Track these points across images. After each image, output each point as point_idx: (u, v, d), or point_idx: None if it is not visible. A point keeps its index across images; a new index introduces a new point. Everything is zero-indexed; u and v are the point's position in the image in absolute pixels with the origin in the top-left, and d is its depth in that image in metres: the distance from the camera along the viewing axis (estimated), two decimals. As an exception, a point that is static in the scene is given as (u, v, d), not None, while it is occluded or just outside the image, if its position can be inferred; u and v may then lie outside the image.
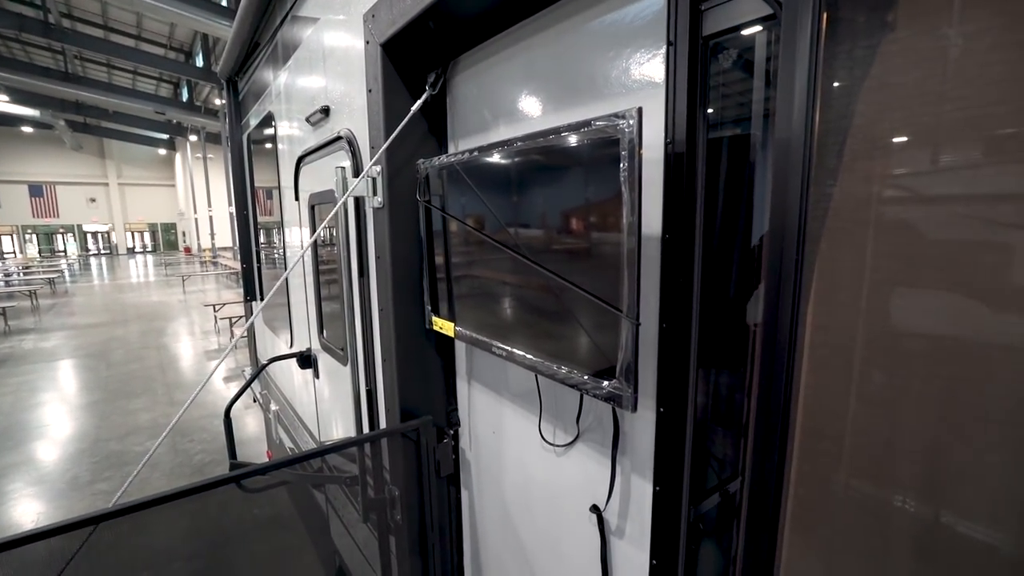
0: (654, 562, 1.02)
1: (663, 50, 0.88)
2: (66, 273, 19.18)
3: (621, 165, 0.78)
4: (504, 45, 1.26)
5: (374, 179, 1.43)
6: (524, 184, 1.06)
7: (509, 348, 1.10)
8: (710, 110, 0.86)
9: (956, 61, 0.61)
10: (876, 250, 0.69)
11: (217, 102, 19.62)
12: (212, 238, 24.17)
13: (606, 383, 0.87)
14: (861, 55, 0.69)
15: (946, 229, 0.63)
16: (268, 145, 2.98)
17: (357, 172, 1.58)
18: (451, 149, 1.50)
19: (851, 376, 0.73)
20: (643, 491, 1.04)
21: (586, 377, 0.92)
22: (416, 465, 1.57)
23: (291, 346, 2.76)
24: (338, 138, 1.69)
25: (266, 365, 2.47)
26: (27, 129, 25.02)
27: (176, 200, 32.62)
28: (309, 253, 2.18)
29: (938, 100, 0.64)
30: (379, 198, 1.44)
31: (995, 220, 0.59)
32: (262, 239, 3.54)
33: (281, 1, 2.26)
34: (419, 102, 1.38)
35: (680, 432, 0.94)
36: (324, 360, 2.21)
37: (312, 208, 2.08)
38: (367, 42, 1.43)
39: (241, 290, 3.99)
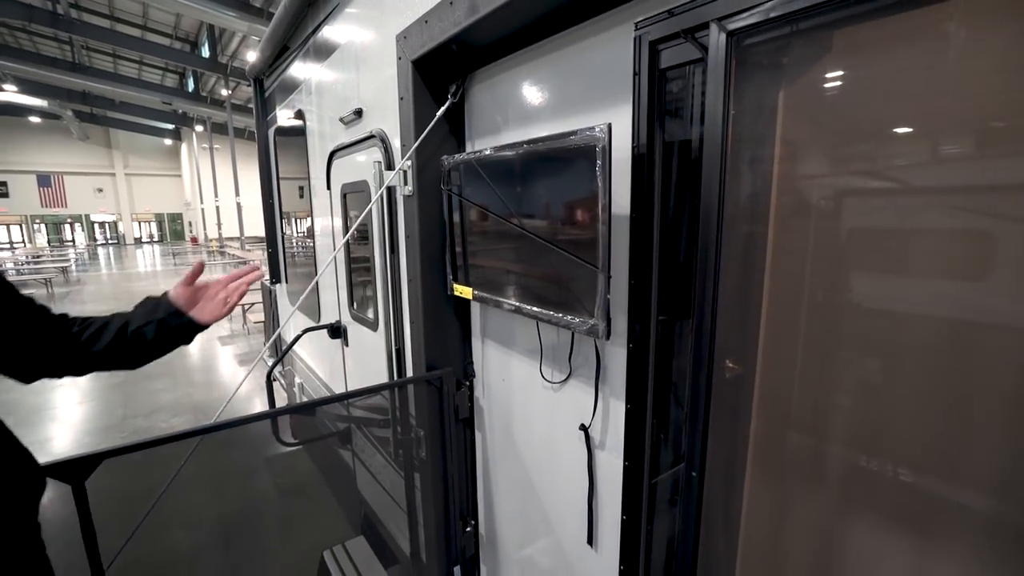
0: (627, 463, 1.36)
1: (631, 78, 1.19)
2: (74, 262, 19.56)
3: (597, 163, 1.10)
4: (513, 64, 1.57)
5: (405, 172, 1.75)
6: (526, 176, 1.38)
7: (517, 303, 1.43)
8: (665, 121, 1.18)
9: (817, 92, 0.93)
10: (777, 222, 1.01)
11: (223, 92, 19.82)
12: (219, 228, 24.47)
13: (589, 321, 1.19)
14: (757, 86, 1.00)
15: (809, 209, 0.95)
16: (295, 138, 3.29)
17: (389, 166, 1.89)
18: (468, 147, 1.81)
19: (757, 316, 1.06)
20: (618, 410, 1.37)
21: (574, 318, 1.24)
22: (439, 409, 1.90)
23: (319, 320, 3.10)
24: (371, 136, 2.01)
25: (303, 333, 2.81)
26: (35, 119, 25.26)
27: (182, 190, 32.89)
28: (342, 236, 2.50)
29: (808, 120, 0.96)
30: (409, 188, 1.76)
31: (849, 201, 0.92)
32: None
33: (314, 13, 2.56)
34: (443, 109, 1.70)
35: (645, 362, 1.27)
36: (354, 329, 2.54)
37: (344, 196, 2.40)
38: (399, 58, 1.74)
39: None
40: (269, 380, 2.64)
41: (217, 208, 24.56)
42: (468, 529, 2.11)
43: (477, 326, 1.92)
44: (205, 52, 18.52)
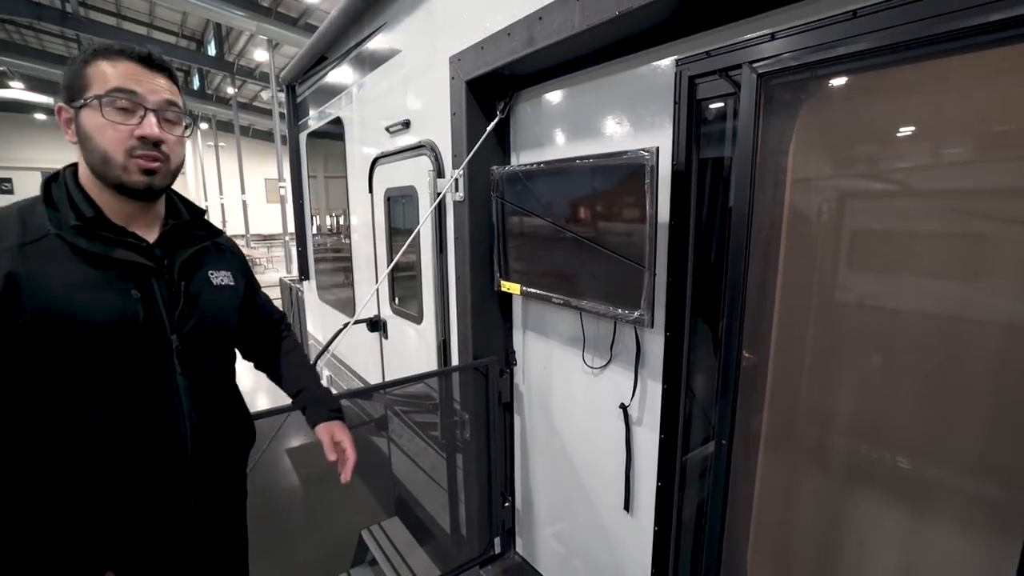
0: (663, 436, 1.57)
1: (667, 104, 1.39)
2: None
3: (646, 180, 1.31)
4: (557, 86, 1.77)
5: (457, 179, 1.95)
6: (577, 187, 1.58)
7: (565, 298, 1.64)
8: (700, 142, 1.38)
9: (834, 122, 1.14)
10: (789, 232, 1.22)
11: (229, 90, 19.96)
12: (224, 225, 24.63)
13: (636, 312, 1.40)
14: (777, 116, 1.21)
15: (824, 222, 1.16)
16: (330, 142, 3.49)
17: (439, 173, 2.09)
18: (512, 159, 2.01)
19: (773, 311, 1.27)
20: (655, 390, 1.58)
21: (622, 310, 1.45)
22: (485, 394, 2.11)
23: (354, 315, 3.30)
24: (420, 145, 2.21)
25: (347, 325, 3.01)
26: (40, 116, 25.38)
27: (187, 188, 33.01)
28: (383, 237, 2.71)
29: (814, 143, 1.17)
30: (460, 194, 1.96)
31: (866, 212, 1.13)
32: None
33: (358, 28, 2.75)
34: (492, 124, 1.90)
35: (680, 348, 1.48)
36: (395, 322, 2.75)
37: (388, 200, 2.60)
38: (453, 77, 1.94)
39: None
40: (314, 367, 2.86)
41: (222, 206, 24.73)
42: (506, 504, 2.32)
43: (518, 319, 2.12)
44: (211, 50, 18.66)
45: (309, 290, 4.37)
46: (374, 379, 3.19)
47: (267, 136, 27.55)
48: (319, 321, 4.33)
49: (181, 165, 1.03)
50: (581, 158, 1.52)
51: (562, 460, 2.01)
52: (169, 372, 0.98)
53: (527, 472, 2.26)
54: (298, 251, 4.20)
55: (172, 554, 1.04)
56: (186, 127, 1.02)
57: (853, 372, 1.21)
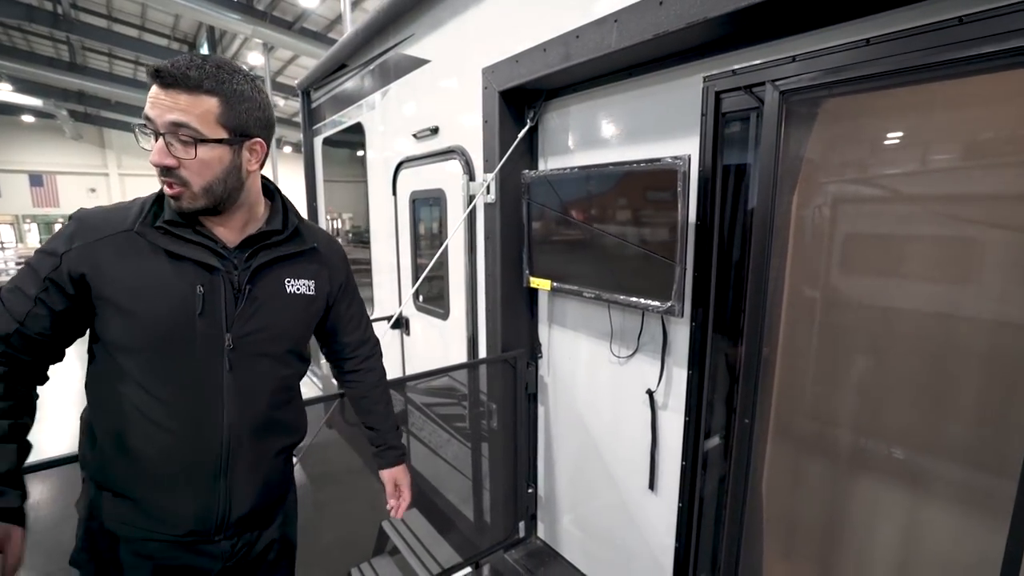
0: (687, 419, 1.71)
1: (693, 116, 1.54)
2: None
3: (678, 184, 1.46)
4: (586, 97, 1.93)
5: (489, 183, 2.09)
6: (608, 190, 1.73)
7: (597, 292, 1.78)
8: (724, 151, 1.54)
9: (844, 134, 1.30)
10: (802, 235, 1.38)
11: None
12: (215, 227, 24.43)
13: (667, 303, 1.55)
14: (798, 128, 1.36)
15: (828, 224, 1.32)
16: (348, 149, 3.62)
17: (470, 176, 2.23)
18: (540, 163, 2.16)
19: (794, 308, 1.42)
20: (681, 376, 1.72)
21: (653, 301, 1.60)
22: (512, 385, 2.24)
23: (372, 313, 3.42)
24: (450, 150, 2.35)
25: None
26: (28, 119, 25.08)
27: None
28: (407, 238, 2.83)
29: (832, 154, 1.32)
30: (492, 196, 2.10)
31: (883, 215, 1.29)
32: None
33: (381, 38, 2.88)
34: (523, 131, 2.04)
35: (704, 337, 1.62)
36: (419, 319, 2.88)
37: (413, 202, 2.74)
38: (485, 87, 2.08)
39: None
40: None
41: (213, 208, 24.59)
42: (530, 490, 2.45)
43: (543, 313, 2.26)
44: (204, 52, 18.60)
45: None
46: (395, 374, 3.31)
47: (259, 139, 27.34)
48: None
49: (217, 183, 0.97)
50: (615, 164, 1.66)
51: (586, 446, 2.15)
52: (219, 368, 1.03)
53: (550, 459, 2.40)
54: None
55: (200, 537, 1.08)
56: (201, 141, 0.93)
57: (849, 364, 1.38)
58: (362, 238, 4.14)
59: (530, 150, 2.16)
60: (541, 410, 2.39)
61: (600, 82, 1.84)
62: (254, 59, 17.01)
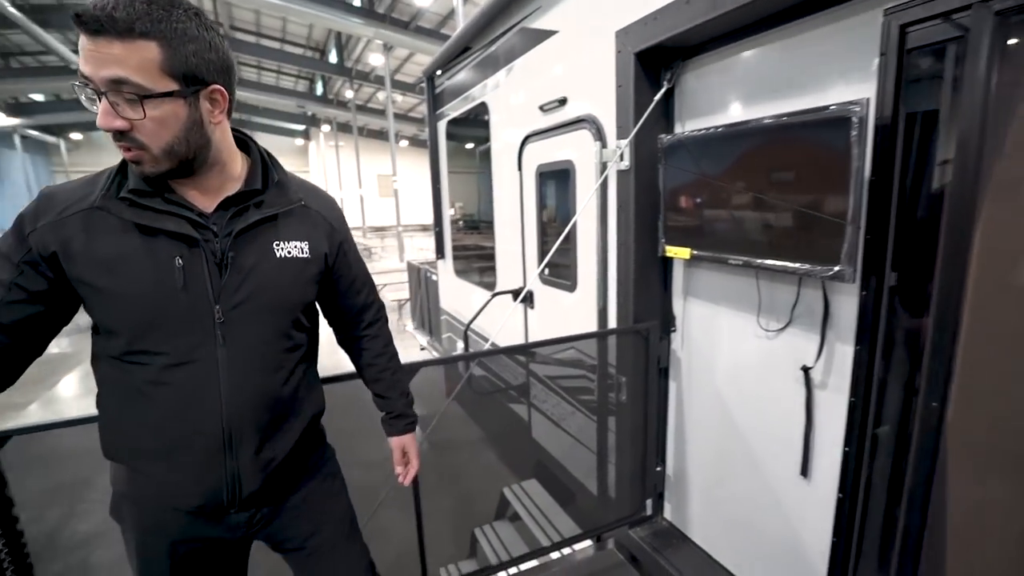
0: (852, 399, 1.54)
1: (866, 63, 1.35)
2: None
3: (853, 134, 1.29)
4: (727, 53, 1.79)
5: (623, 150, 2.03)
6: (761, 147, 1.59)
7: (745, 258, 1.66)
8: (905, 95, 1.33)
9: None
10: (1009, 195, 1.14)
11: (348, 94, 21.62)
12: (343, 217, 26.88)
13: (834, 267, 1.40)
14: (1017, 64, 1.13)
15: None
16: (458, 142, 3.75)
17: (603, 143, 2.19)
18: (677, 127, 2.05)
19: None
20: (844, 352, 1.55)
21: (816, 266, 1.45)
22: (644, 358, 2.19)
23: (496, 287, 3.53)
24: (580, 120, 2.32)
25: (495, 296, 3.26)
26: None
27: (309, 184, 36.31)
28: (534, 211, 2.87)
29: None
30: (626, 163, 2.04)
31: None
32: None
33: (505, 16, 2.92)
34: (660, 93, 1.95)
35: (878, 305, 1.44)
36: (544, 292, 2.91)
37: (540, 175, 2.76)
38: (619, 51, 2.01)
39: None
40: (466, 333, 3.22)
41: (341, 200, 27.05)
42: (658, 468, 2.39)
43: (678, 285, 2.17)
44: (333, 58, 20.34)
45: (445, 268, 4.70)
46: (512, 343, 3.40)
47: (378, 135, 29.48)
48: (453, 295, 4.66)
49: (178, 143, 0.86)
50: (771, 117, 1.52)
51: (725, 425, 2.04)
52: (211, 342, 0.96)
53: (681, 437, 2.31)
54: (435, 231, 4.53)
55: (213, 513, 1.05)
56: (147, 97, 0.79)
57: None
58: (473, 225, 4.30)
59: (665, 114, 2.06)
60: (673, 386, 2.30)
61: (746, 33, 1.69)
62: (375, 60, 18.27)
